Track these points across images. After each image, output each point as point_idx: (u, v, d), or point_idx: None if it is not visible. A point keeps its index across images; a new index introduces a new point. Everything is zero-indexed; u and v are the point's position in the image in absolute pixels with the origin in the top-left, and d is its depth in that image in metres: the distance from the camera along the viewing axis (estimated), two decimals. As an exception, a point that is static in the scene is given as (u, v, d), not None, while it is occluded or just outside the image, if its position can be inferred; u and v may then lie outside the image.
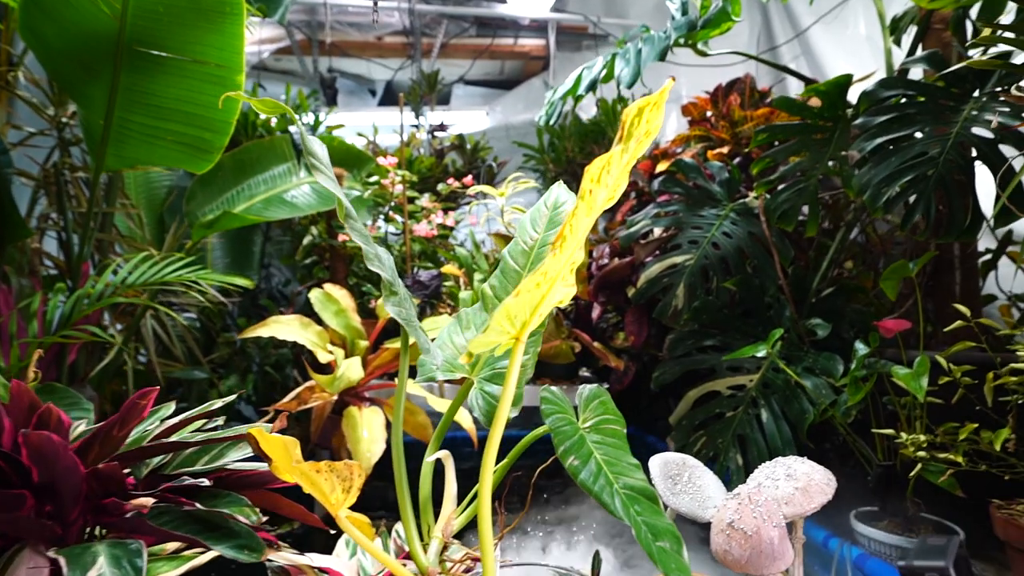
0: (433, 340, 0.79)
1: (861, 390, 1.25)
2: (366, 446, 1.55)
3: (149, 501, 0.65)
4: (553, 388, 0.67)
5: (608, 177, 0.52)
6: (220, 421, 1.02)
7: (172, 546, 0.92)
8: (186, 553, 0.84)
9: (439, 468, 0.71)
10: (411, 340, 1.70)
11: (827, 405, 1.39)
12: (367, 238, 0.56)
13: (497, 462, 0.63)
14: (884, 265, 1.83)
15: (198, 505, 0.66)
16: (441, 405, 1.63)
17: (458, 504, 0.67)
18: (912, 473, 1.15)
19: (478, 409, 0.70)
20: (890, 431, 1.18)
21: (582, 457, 0.61)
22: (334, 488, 0.60)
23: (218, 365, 2.48)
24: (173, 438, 0.84)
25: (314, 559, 0.92)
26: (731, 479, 1.54)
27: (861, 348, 1.31)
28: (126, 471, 0.82)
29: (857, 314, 1.63)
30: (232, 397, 0.91)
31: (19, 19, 1.41)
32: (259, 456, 0.77)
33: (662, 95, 0.53)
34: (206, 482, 0.71)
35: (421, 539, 0.65)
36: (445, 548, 0.63)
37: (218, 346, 2.46)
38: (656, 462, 0.94)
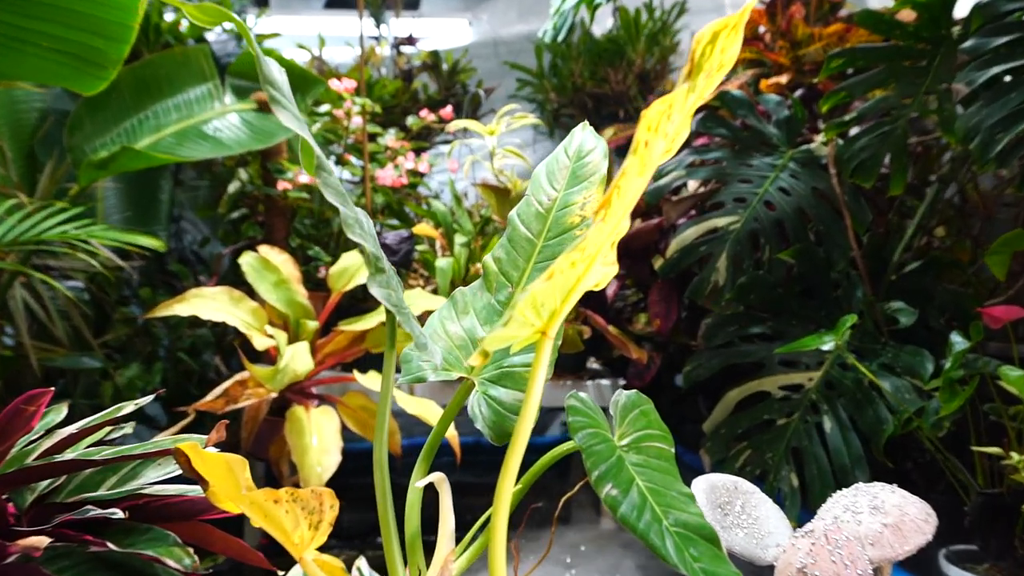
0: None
1: (958, 396, 1.27)
2: (315, 457, 1.54)
3: (42, 541, 0.63)
4: (581, 394, 0.66)
5: (668, 124, 0.50)
6: (128, 429, 1.00)
7: None
8: None
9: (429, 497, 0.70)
10: (368, 325, 1.66)
11: (911, 414, 1.41)
12: (344, 197, 0.54)
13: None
14: (986, 233, 1.84)
15: (111, 545, 0.65)
16: (411, 404, 1.62)
17: (456, 541, 0.66)
18: None
19: (482, 420, 0.69)
20: (996, 450, 1.20)
21: (622, 485, 0.60)
22: (298, 524, 0.59)
23: (114, 349, 2.44)
24: (69, 454, 0.82)
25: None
26: (784, 504, 1.57)
27: (959, 341, 1.32)
28: (3, 497, 0.80)
29: (951, 296, 1.65)
30: (148, 399, 0.89)
31: None
32: (189, 477, 0.76)
33: (743, 15, 0.51)
34: (119, 513, 0.69)
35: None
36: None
37: (114, 324, 2.43)
38: (701, 486, 0.94)
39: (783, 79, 2.01)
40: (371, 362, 1.83)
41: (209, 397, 1.57)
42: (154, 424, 2.58)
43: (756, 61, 2.17)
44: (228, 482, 0.63)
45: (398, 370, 0.70)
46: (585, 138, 0.80)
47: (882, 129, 1.58)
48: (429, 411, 1.62)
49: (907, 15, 1.59)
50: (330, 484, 1.52)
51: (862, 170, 1.60)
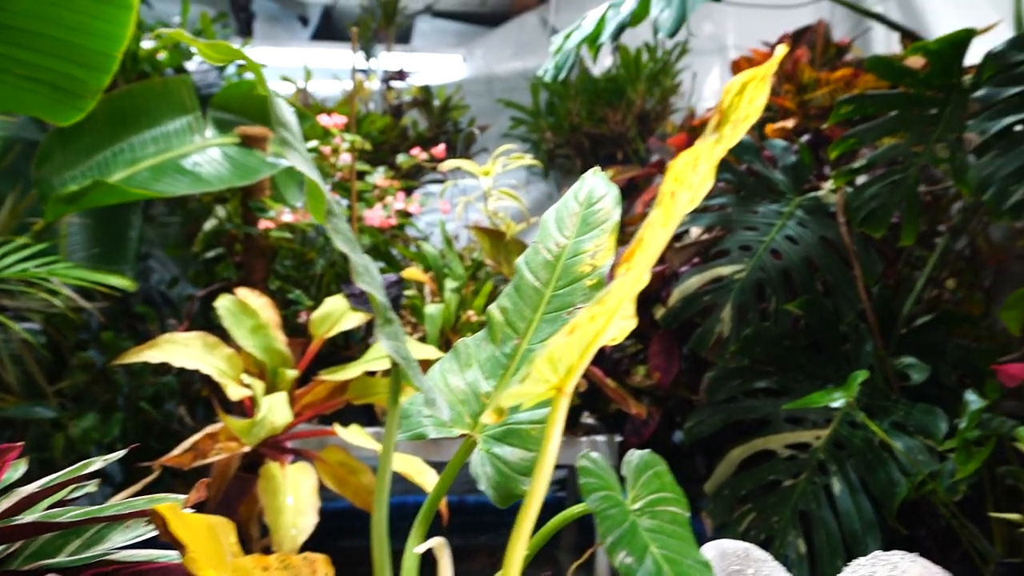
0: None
1: (974, 458, 1.28)
2: (291, 518, 1.51)
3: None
4: (593, 454, 0.66)
5: (694, 176, 0.52)
6: (91, 487, 0.98)
7: None
8: None
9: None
10: (350, 372, 1.65)
11: (925, 476, 1.41)
12: (354, 244, 0.55)
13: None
14: (998, 286, 1.88)
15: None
16: (397, 462, 1.60)
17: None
18: (1043, 573, 1.18)
19: (486, 479, 0.69)
20: (1015, 516, 1.21)
21: (636, 552, 0.60)
22: (286, 594, 0.58)
23: (69, 398, 2.41)
24: (28, 516, 0.80)
25: None
26: (791, 573, 1.56)
27: (974, 400, 1.34)
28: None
29: (963, 352, 1.67)
30: (118, 455, 0.88)
31: None
32: (164, 541, 0.74)
33: (772, 65, 0.53)
34: (86, 580, 0.68)
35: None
36: None
37: (71, 370, 2.39)
38: (710, 553, 0.94)
39: (789, 124, 2.06)
40: (352, 415, 1.82)
41: (176, 451, 1.54)
42: (110, 482, 2.53)
43: (760, 105, 2.23)
44: (210, 547, 0.63)
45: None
46: (596, 184, 0.82)
47: (892, 178, 1.61)
48: (414, 468, 1.60)
49: (917, 62, 1.64)
50: (305, 548, 1.49)
51: (872, 219, 1.63)
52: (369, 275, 0.55)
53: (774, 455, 1.72)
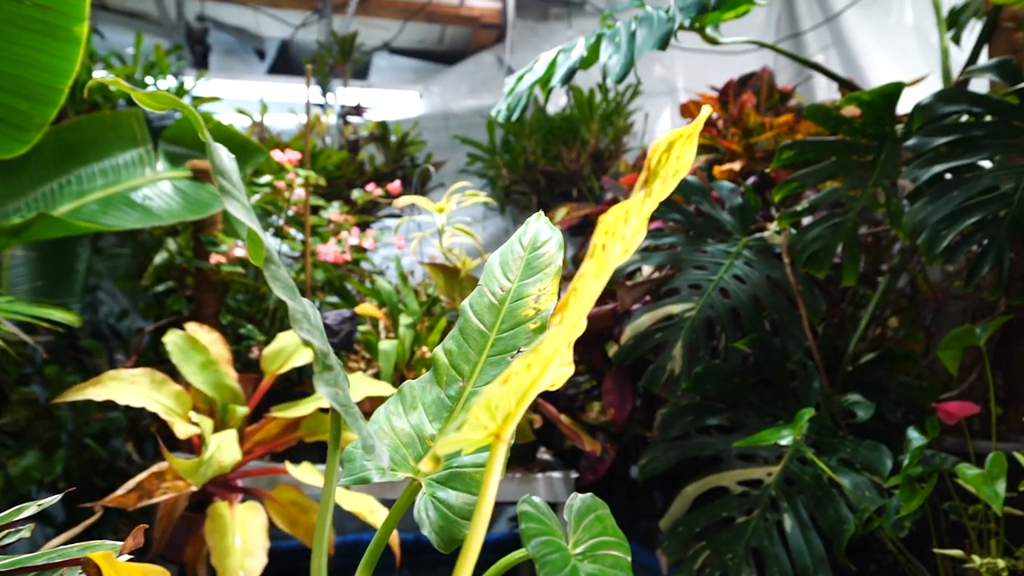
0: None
1: (918, 494, 1.30)
2: (238, 560, 1.48)
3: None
4: (535, 499, 0.67)
5: (625, 228, 0.54)
6: (26, 532, 0.95)
7: None
8: None
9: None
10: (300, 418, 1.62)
11: (872, 513, 1.44)
12: (293, 291, 0.55)
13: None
14: (938, 324, 1.94)
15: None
16: (347, 499, 1.58)
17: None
18: (985, 608, 1.21)
19: (429, 525, 0.69)
20: (958, 552, 1.24)
21: (576, 600, 0.61)
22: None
23: (9, 435, 2.33)
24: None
25: None
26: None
27: (916, 438, 1.38)
28: None
29: (906, 390, 1.72)
30: (54, 499, 0.86)
31: None
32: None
33: (697, 126, 0.55)
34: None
35: None
36: None
37: (11, 406, 2.33)
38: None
39: (736, 166, 2.12)
40: (305, 452, 1.79)
41: (120, 491, 1.50)
42: (50, 522, 2.45)
43: (710, 147, 2.29)
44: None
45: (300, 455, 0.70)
46: (540, 228, 0.83)
47: (833, 220, 1.66)
48: (366, 507, 1.58)
49: (853, 111, 1.71)
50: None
51: (815, 260, 1.68)
52: (308, 321, 0.55)
53: (727, 491, 1.74)
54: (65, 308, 1.87)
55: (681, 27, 1.73)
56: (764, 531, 1.62)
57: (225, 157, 0.54)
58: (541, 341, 0.50)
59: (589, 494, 0.71)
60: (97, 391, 1.44)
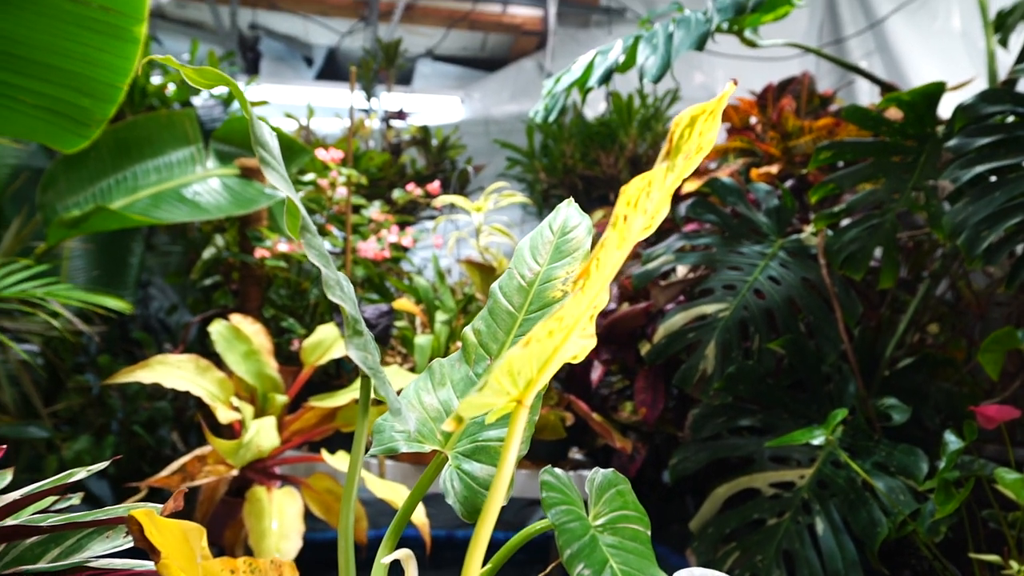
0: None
1: (953, 498, 1.28)
2: (274, 542, 1.52)
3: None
4: (556, 470, 0.68)
5: (648, 202, 0.54)
6: (75, 500, 0.99)
7: None
8: None
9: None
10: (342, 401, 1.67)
11: (906, 516, 1.41)
12: (327, 259, 0.57)
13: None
14: (980, 332, 1.89)
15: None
16: (381, 488, 1.61)
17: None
18: (1019, 613, 1.18)
19: (454, 495, 0.70)
20: (995, 557, 1.21)
21: (594, 565, 0.61)
22: (252, 598, 0.59)
23: (63, 420, 2.42)
24: (11, 521, 0.81)
25: None
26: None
27: (953, 441, 1.35)
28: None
29: (945, 395, 1.68)
30: (101, 465, 0.89)
31: None
32: (140, 549, 0.75)
33: (720, 102, 0.55)
34: (59, 585, 0.69)
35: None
36: None
37: (67, 393, 2.41)
38: (681, 583, 0.94)
39: (773, 169, 2.10)
40: (341, 442, 1.82)
41: (164, 472, 1.55)
42: (100, 503, 2.52)
43: (747, 151, 2.28)
44: (182, 552, 0.64)
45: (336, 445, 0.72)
46: (570, 214, 0.84)
47: (871, 222, 1.64)
48: (399, 495, 1.60)
49: (894, 113, 1.69)
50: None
51: (851, 262, 1.66)
52: (340, 288, 0.57)
53: (759, 493, 1.72)
54: (120, 298, 1.94)
55: (719, 29, 1.73)
56: (795, 533, 1.60)
57: (266, 131, 0.57)
58: (562, 307, 0.51)
59: (611, 469, 0.72)
60: (145, 374, 1.49)
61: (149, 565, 0.79)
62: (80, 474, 0.89)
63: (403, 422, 0.63)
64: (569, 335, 0.56)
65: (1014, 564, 1.21)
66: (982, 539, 1.39)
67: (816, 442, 1.47)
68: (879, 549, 1.47)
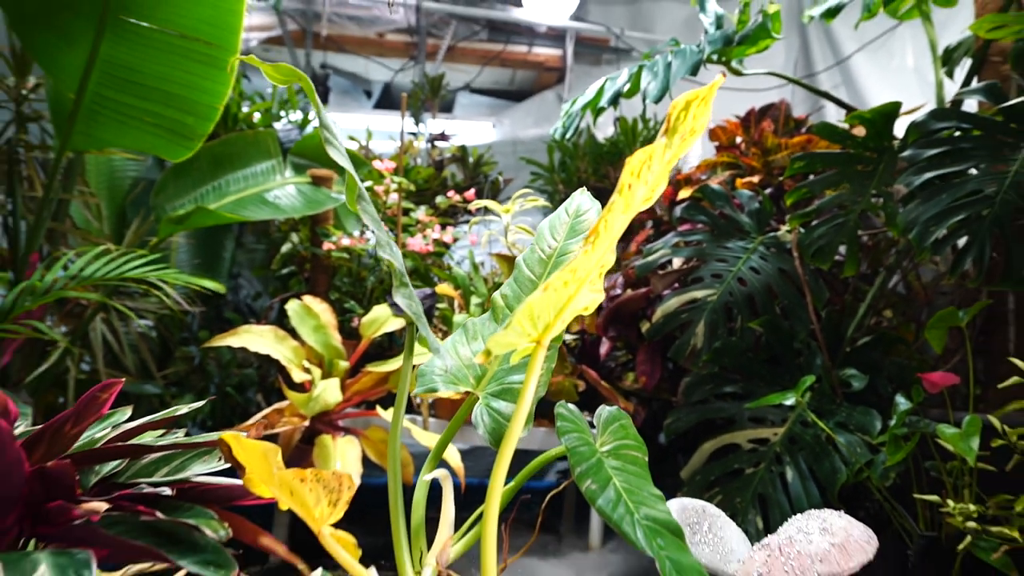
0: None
1: (902, 449, 1.26)
2: (337, 481, 1.53)
3: (102, 506, 0.64)
4: (570, 405, 0.68)
5: (649, 173, 0.54)
6: (180, 434, 1.01)
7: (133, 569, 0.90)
8: None
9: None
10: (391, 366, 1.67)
11: (862, 465, 1.39)
12: (378, 223, 0.58)
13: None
14: (927, 317, 1.86)
15: (159, 514, 0.66)
16: (424, 437, 1.62)
17: (455, 531, 0.67)
18: (960, 547, 1.15)
19: (483, 427, 0.71)
20: (934, 498, 1.19)
21: (600, 482, 0.61)
22: (319, 500, 0.60)
23: (172, 382, 2.46)
24: (133, 441, 0.83)
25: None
26: (751, 543, 1.53)
27: (902, 402, 1.33)
28: (74, 473, 0.81)
29: (897, 368, 1.65)
30: (197, 404, 0.91)
31: (-8, -22, 1.45)
32: (229, 469, 0.77)
33: (711, 89, 0.55)
34: (167, 491, 0.70)
35: (413, 568, 0.65)
36: (437, 580, 0.63)
37: (174, 360, 2.45)
38: (674, 507, 0.94)
39: (755, 179, 2.07)
40: (393, 400, 1.84)
41: (250, 421, 1.57)
42: (200, 450, 2.56)
43: (733, 164, 2.25)
44: (262, 467, 0.65)
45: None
46: (583, 200, 0.84)
47: (837, 221, 1.62)
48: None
49: (858, 130, 1.66)
50: (351, 510, 1.50)
51: (820, 255, 1.64)
52: (390, 248, 0.58)
53: (739, 448, 1.71)
54: (215, 281, 1.98)
55: (710, 59, 1.72)
56: (769, 480, 1.58)
57: (330, 118, 0.57)
58: (575, 260, 0.51)
59: (616, 407, 0.72)
60: (235, 339, 1.51)
61: (235, 482, 0.81)
62: (182, 409, 0.91)
63: (442, 358, 0.63)
64: (581, 286, 0.56)
65: (951, 502, 1.19)
66: (925, 484, 1.36)
67: (788, 403, 1.46)
68: (839, 493, 1.45)
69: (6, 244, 1.92)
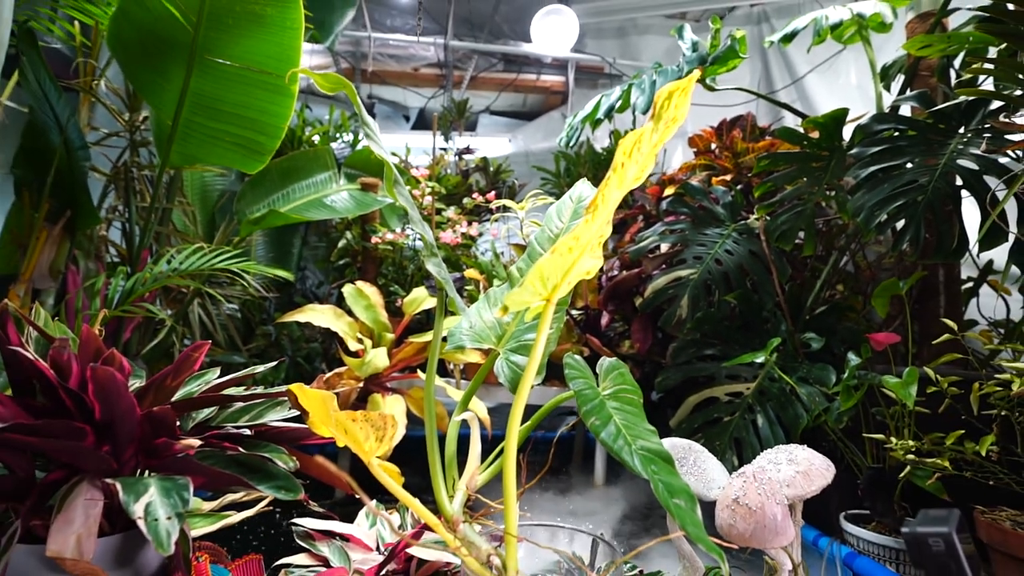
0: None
1: (853, 397, 1.22)
2: (387, 429, 1.54)
3: (196, 442, 0.64)
4: (576, 356, 0.66)
5: (639, 154, 0.52)
6: (259, 389, 1.01)
7: (208, 506, 0.91)
8: (222, 512, 0.83)
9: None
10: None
11: (820, 411, 1.36)
12: (412, 204, 0.56)
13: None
14: (872, 290, 1.81)
15: (240, 449, 0.66)
16: (456, 394, 1.61)
17: (481, 463, 0.66)
18: (901, 476, 1.12)
19: (504, 376, 0.70)
20: (880, 436, 1.16)
21: (603, 419, 0.60)
22: (368, 436, 0.59)
23: (254, 354, 2.49)
24: (225, 391, 0.83)
25: (336, 526, 0.91)
26: (729, 474, 1.51)
27: (853, 359, 1.29)
28: (176, 422, 0.81)
29: (848, 331, 1.61)
30: (271, 364, 0.91)
31: (108, 30, 1.45)
32: (297, 417, 0.76)
33: (690, 81, 0.53)
34: (247, 431, 0.70)
35: (447, 492, 0.64)
36: (468, 501, 0.62)
37: (256, 337, 2.48)
38: (664, 445, 0.92)
39: (728, 178, 2.03)
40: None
41: (315, 383, 1.58)
42: (277, 410, 2.59)
43: (709, 166, 2.21)
44: (322, 410, 0.64)
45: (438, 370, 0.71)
46: (584, 188, 0.82)
47: (797, 209, 1.58)
48: (473, 402, 1.60)
49: (813, 133, 1.61)
50: (397, 454, 1.51)
51: (784, 238, 1.60)
52: (422, 224, 0.56)
53: (718, 400, 1.68)
54: (286, 270, 1.98)
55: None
56: (743, 426, 1.56)
57: (369, 117, 0.56)
58: (577, 227, 0.50)
59: (615, 358, 0.70)
60: (301, 316, 1.51)
61: (304, 426, 0.81)
62: (259, 369, 0.91)
63: (469, 319, 0.62)
64: (583, 252, 0.54)
65: (893, 440, 1.15)
66: (872, 426, 1.33)
67: (759, 360, 1.43)
68: (800, 435, 1.42)
69: (124, 245, 1.95)
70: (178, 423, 0.82)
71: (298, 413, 0.72)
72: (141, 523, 0.53)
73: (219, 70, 1.50)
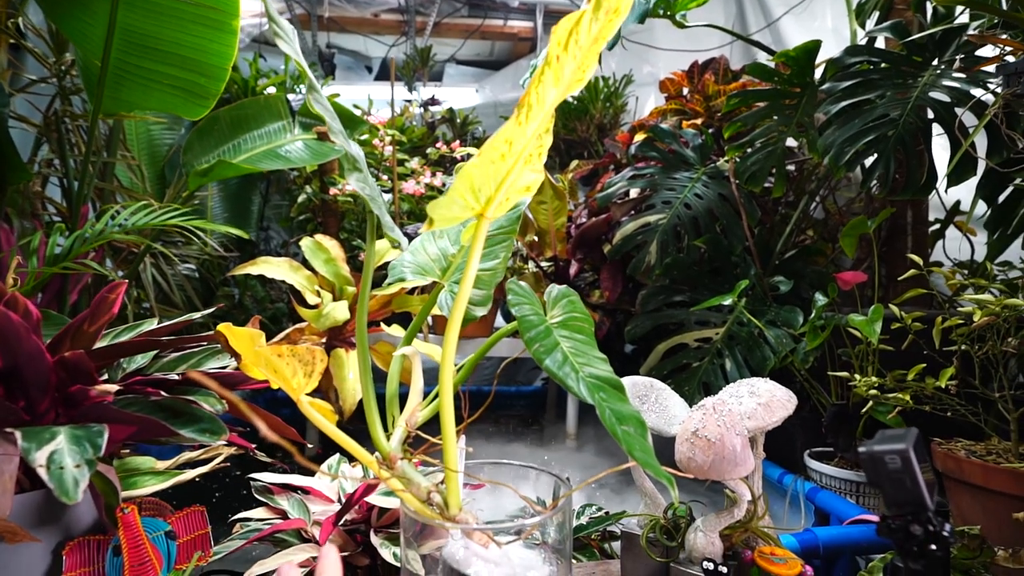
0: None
1: (819, 337, 1.22)
2: (351, 385, 1.50)
3: (112, 387, 0.59)
4: (521, 282, 0.62)
5: (576, 47, 0.46)
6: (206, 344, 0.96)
7: (163, 465, 0.87)
8: (173, 471, 0.78)
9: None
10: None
11: (787, 352, 1.36)
12: (331, 112, 0.50)
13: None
14: (840, 234, 1.80)
15: (163, 394, 0.61)
16: (423, 347, 1.58)
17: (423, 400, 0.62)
18: (863, 411, 1.13)
19: (446, 308, 0.65)
20: (844, 373, 1.16)
21: (547, 346, 0.56)
22: (296, 372, 0.55)
23: (217, 317, 2.41)
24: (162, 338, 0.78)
25: (296, 479, 0.87)
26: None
27: (820, 299, 1.28)
28: (104, 376, 0.76)
29: (816, 274, 1.60)
30: (210, 310, 0.85)
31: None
32: (230, 354, 0.71)
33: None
34: (175, 376, 0.65)
35: (386, 430, 0.60)
36: (408, 438, 0.59)
37: (217, 298, 2.39)
38: (626, 383, 0.89)
39: (698, 121, 1.98)
40: (395, 319, 1.79)
41: (275, 339, 1.52)
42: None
43: (680, 111, 2.15)
44: (250, 348, 0.59)
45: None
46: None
47: (767, 149, 1.54)
48: (436, 352, 1.57)
49: (783, 68, 1.56)
50: (362, 412, 1.48)
51: (753, 179, 1.56)
52: (344, 137, 0.51)
53: (687, 346, 1.67)
54: (243, 230, 1.89)
55: (656, 13, 1.60)
56: (712, 371, 1.56)
57: (315, 80, 0.49)
58: (505, 128, 0.44)
59: (565, 285, 0.66)
60: (254, 268, 1.45)
61: (236, 370, 0.76)
62: (196, 315, 0.85)
63: (410, 251, 0.57)
64: (518, 161, 0.49)
65: (857, 376, 1.16)
66: (837, 366, 1.34)
67: (727, 303, 1.41)
68: (768, 376, 1.42)
69: (64, 202, 1.83)
70: (106, 375, 0.76)
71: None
72: (42, 471, 0.49)
73: (150, 3, 1.38)
